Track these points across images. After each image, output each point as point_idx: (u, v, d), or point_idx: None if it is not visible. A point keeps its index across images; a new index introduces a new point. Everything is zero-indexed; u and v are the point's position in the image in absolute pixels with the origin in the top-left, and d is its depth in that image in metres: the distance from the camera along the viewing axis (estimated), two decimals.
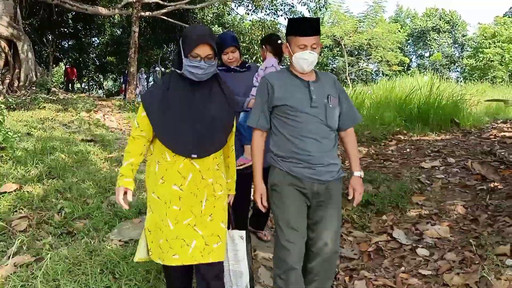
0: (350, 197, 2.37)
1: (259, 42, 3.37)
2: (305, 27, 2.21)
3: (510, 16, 38.70)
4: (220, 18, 25.99)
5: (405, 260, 3.16)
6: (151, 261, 2.76)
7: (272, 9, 20.38)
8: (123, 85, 20.25)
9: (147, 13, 16.72)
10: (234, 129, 2.32)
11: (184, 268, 2.18)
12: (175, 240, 2.09)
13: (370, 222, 3.91)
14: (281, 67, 3.14)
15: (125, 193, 2.10)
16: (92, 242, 3.19)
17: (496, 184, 4.31)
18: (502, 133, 6.70)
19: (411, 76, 17.84)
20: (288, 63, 2.48)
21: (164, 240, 2.10)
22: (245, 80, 3.10)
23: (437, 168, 5.08)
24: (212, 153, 2.13)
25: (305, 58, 2.22)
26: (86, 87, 30.95)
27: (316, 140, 2.22)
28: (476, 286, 2.62)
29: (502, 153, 5.27)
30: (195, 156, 2.07)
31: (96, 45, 28.55)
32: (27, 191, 4.12)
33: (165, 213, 2.10)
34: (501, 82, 22.66)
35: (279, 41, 3.19)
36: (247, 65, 3.23)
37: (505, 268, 2.69)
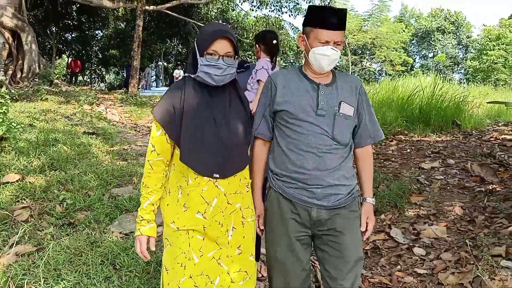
0: (363, 229, 1.92)
1: (254, 38, 3.18)
2: (330, 18, 1.80)
3: None
4: (224, 14, 25.96)
5: (402, 258, 3.20)
6: (151, 252, 2.81)
7: (276, 5, 20.36)
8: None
9: (152, 7, 16.72)
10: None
11: None
12: (200, 277, 1.76)
13: None
14: (278, 68, 3.03)
15: (148, 241, 1.80)
16: (93, 234, 3.24)
17: (494, 186, 4.34)
18: (503, 136, 6.73)
19: (414, 76, 17.85)
20: (300, 62, 2.27)
21: (187, 277, 1.74)
22: (242, 82, 2.79)
23: (436, 169, 5.11)
24: (236, 172, 1.80)
25: (326, 55, 1.82)
26: (88, 80, 30.95)
27: (315, 155, 1.81)
28: (470, 286, 2.66)
29: (502, 156, 5.30)
30: (217, 176, 1.75)
31: (99, 38, 28.54)
32: (30, 182, 4.17)
33: (188, 244, 1.76)
34: (504, 84, 22.66)
35: (275, 41, 2.97)
36: (245, 65, 3.05)
37: (499, 268, 2.73)
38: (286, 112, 1.85)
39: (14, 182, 4.11)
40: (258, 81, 2.93)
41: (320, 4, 18.35)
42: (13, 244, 2.96)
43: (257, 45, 3.02)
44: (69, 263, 2.74)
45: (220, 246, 1.80)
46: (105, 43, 27.57)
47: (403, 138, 7.10)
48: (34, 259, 2.80)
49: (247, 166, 1.89)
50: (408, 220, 3.85)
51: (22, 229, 3.18)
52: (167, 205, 1.82)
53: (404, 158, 5.80)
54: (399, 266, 3.10)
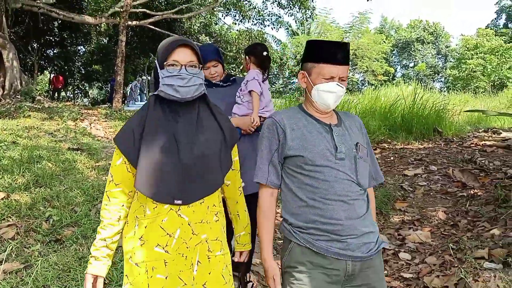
0: None
1: (244, 51, 3.10)
2: (335, 52, 1.68)
3: (492, 28, 39.70)
4: (207, 28, 26.14)
5: (388, 264, 3.26)
6: None
7: (259, 19, 20.64)
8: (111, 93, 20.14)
9: (134, 22, 16.79)
10: (237, 166, 1.83)
11: None
12: None
13: None
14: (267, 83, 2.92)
15: (95, 280, 1.66)
16: (81, 249, 3.22)
17: (475, 191, 4.45)
18: (483, 142, 6.90)
19: (396, 86, 18.18)
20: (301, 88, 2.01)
21: None
22: (228, 96, 2.78)
23: (419, 175, 5.22)
24: (201, 197, 1.60)
25: (332, 91, 1.67)
26: (71, 95, 30.74)
27: (345, 202, 1.64)
28: None
29: (482, 161, 5.44)
30: (179, 202, 1.55)
31: (82, 53, 28.46)
32: (15, 200, 4.13)
33: (147, 284, 1.57)
34: (483, 92, 23.18)
35: (265, 53, 2.88)
36: (231, 78, 2.89)
37: (482, 270, 2.80)
38: (302, 157, 1.67)
39: None
40: (250, 92, 2.79)
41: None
42: (0, 262, 2.94)
43: (246, 57, 2.92)
44: (57, 279, 2.73)
45: (185, 282, 1.58)
46: (88, 58, 27.49)
47: (387, 146, 7.23)
48: (23, 276, 2.77)
49: (218, 193, 1.69)
50: (394, 226, 3.92)
51: (9, 247, 3.15)
52: (125, 237, 1.65)
53: (388, 166, 5.90)
54: (386, 271, 3.15)
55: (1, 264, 2.91)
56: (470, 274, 2.78)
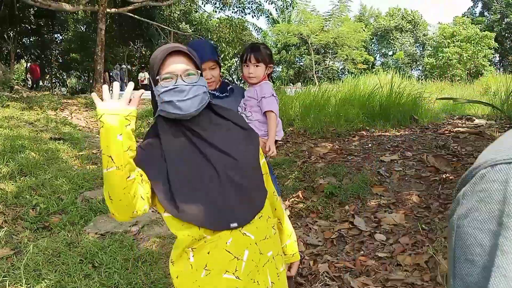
0: None
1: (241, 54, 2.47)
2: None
3: (469, 16, 40.44)
4: (187, 16, 25.97)
5: (364, 244, 3.45)
6: (128, 249, 2.94)
7: (239, 7, 20.58)
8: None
9: (113, 10, 16.56)
10: (266, 169, 1.54)
11: None
12: None
13: (333, 212, 4.19)
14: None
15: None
16: (69, 235, 3.32)
17: (448, 175, 4.68)
18: (456, 129, 7.16)
19: (375, 74, 18.46)
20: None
21: None
22: None
23: (395, 161, 5.42)
24: (258, 212, 1.39)
25: None
26: (49, 85, 30.19)
27: None
28: (426, 265, 2.93)
29: (455, 147, 5.68)
30: (235, 224, 1.32)
31: (59, 41, 27.93)
32: (0, 188, 4.17)
33: None
34: (459, 80, 23.72)
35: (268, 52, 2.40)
36: (229, 87, 2.39)
37: None
38: None
39: None
40: (266, 112, 2.30)
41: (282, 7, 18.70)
42: None
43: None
44: (48, 263, 2.83)
45: None
46: (65, 47, 27.00)
47: (365, 133, 7.43)
48: (13, 261, 2.86)
49: (267, 202, 1.46)
50: (370, 209, 4.12)
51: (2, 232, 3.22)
52: (177, 277, 1.39)
53: (365, 153, 6.10)
54: (362, 252, 3.35)
55: None
56: (440, 252, 2.98)
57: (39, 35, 23.71)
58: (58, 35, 27.33)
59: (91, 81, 25.02)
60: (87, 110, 11.89)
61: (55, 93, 19.00)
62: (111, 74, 19.24)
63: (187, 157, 1.35)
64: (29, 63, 24.22)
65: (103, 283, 2.68)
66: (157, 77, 1.35)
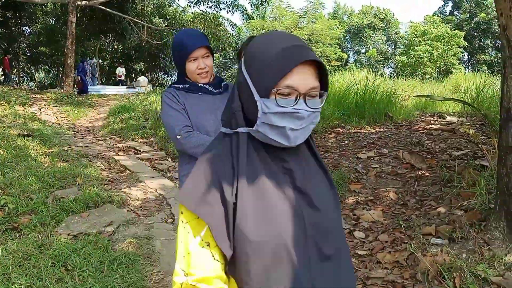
0: None
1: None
2: None
3: (439, 15, 41.38)
4: (160, 10, 25.54)
5: None
6: (103, 251, 2.83)
7: (214, 2, 20.40)
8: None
9: (84, 2, 16.13)
10: None
11: None
12: None
13: None
14: None
15: None
16: (40, 237, 3.18)
17: (423, 172, 4.74)
18: (430, 126, 7.29)
19: (349, 71, 18.62)
20: None
21: None
22: (219, 108, 1.96)
23: (372, 158, 5.47)
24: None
25: None
26: (16, 79, 29.22)
27: None
28: (405, 262, 2.94)
29: (429, 144, 5.77)
30: None
31: (27, 34, 27.01)
32: None
33: None
34: (430, 78, 24.21)
35: None
36: (223, 83, 2.12)
37: (430, 246, 3.03)
38: None
39: None
40: None
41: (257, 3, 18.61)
42: None
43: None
44: (18, 267, 2.69)
45: None
46: (34, 40, 26.15)
47: (341, 130, 7.47)
48: None
49: None
50: (349, 207, 4.12)
51: None
52: None
53: (342, 150, 6.12)
54: None
55: None
56: (419, 249, 3.00)
57: (6, 28, 22.87)
58: (26, 27, 26.44)
59: (60, 75, 24.36)
60: (56, 106, 11.53)
61: (22, 87, 18.36)
62: (79, 69, 18.62)
63: (278, 195, 0.99)
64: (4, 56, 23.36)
65: (77, 287, 2.57)
66: (273, 89, 0.95)
